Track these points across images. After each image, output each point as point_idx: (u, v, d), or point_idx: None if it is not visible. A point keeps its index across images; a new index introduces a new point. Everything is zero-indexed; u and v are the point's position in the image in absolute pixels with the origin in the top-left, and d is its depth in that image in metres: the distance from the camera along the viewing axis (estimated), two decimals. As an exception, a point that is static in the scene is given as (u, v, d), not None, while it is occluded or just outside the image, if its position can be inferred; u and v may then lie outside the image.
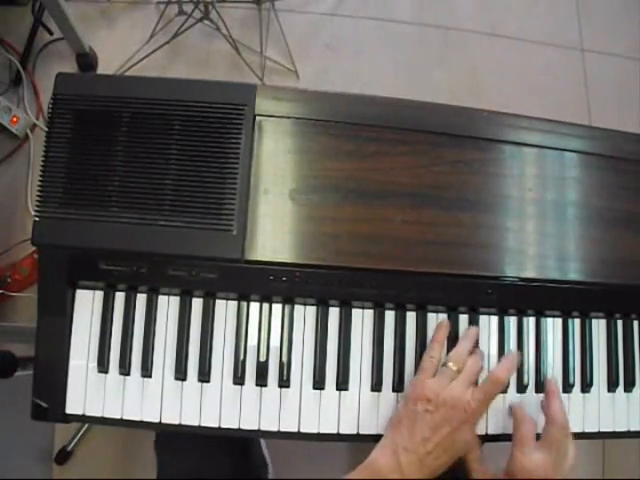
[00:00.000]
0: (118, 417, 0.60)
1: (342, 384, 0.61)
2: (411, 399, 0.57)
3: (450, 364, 0.59)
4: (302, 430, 0.61)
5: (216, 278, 0.60)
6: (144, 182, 0.60)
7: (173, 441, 0.74)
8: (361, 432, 0.61)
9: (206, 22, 1.33)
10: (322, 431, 0.61)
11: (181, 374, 0.60)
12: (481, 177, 0.65)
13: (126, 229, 0.59)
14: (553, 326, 0.67)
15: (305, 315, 0.63)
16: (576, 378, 0.66)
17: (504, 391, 0.64)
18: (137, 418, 0.60)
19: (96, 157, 0.60)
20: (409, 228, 0.63)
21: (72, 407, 0.60)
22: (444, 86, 1.48)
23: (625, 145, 0.69)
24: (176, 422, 0.60)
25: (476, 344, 0.63)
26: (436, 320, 0.64)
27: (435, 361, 0.60)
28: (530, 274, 0.64)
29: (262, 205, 0.61)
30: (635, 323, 0.69)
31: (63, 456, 1.19)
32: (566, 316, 0.67)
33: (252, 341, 0.62)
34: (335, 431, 0.61)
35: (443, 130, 0.65)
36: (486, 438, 0.63)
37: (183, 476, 0.72)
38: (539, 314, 0.66)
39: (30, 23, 1.38)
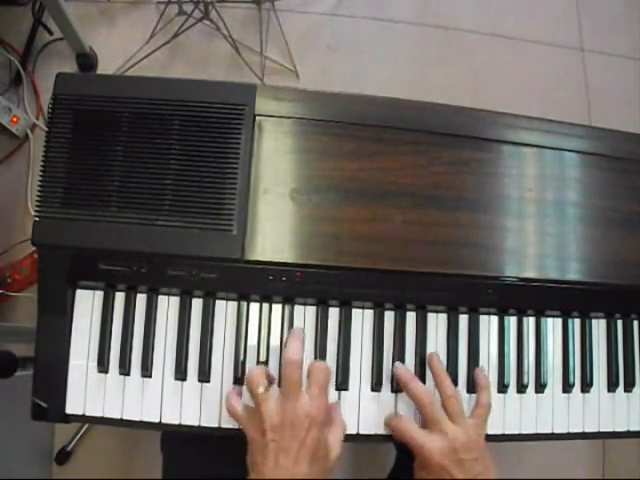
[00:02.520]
0: (118, 417, 0.60)
1: (342, 384, 0.61)
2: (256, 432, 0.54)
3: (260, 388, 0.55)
4: (302, 430, 0.61)
5: (216, 278, 0.60)
6: (144, 182, 0.60)
7: (179, 442, 0.74)
8: (361, 432, 0.61)
9: (206, 22, 1.33)
10: (322, 431, 0.61)
11: (181, 374, 0.60)
12: (481, 177, 0.65)
13: (126, 229, 0.59)
14: (553, 326, 0.67)
15: (305, 315, 0.63)
16: (576, 378, 0.66)
17: (504, 391, 0.64)
18: (137, 418, 0.60)
19: (96, 157, 0.60)
20: (409, 228, 0.63)
21: (72, 407, 0.60)
22: (444, 86, 1.48)
23: (625, 145, 0.69)
24: (176, 422, 0.60)
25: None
26: (436, 320, 0.64)
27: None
28: (530, 274, 0.64)
29: (262, 205, 0.61)
30: (635, 323, 0.70)
31: (63, 456, 1.19)
32: (566, 316, 0.67)
33: (252, 341, 0.61)
34: (335, 431, 0.61)
35: (443, 130, 0.65)
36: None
37: (189, 476, 0.72)
38: (539, 314, 0.67)
39: (30, 23, 1.38)
